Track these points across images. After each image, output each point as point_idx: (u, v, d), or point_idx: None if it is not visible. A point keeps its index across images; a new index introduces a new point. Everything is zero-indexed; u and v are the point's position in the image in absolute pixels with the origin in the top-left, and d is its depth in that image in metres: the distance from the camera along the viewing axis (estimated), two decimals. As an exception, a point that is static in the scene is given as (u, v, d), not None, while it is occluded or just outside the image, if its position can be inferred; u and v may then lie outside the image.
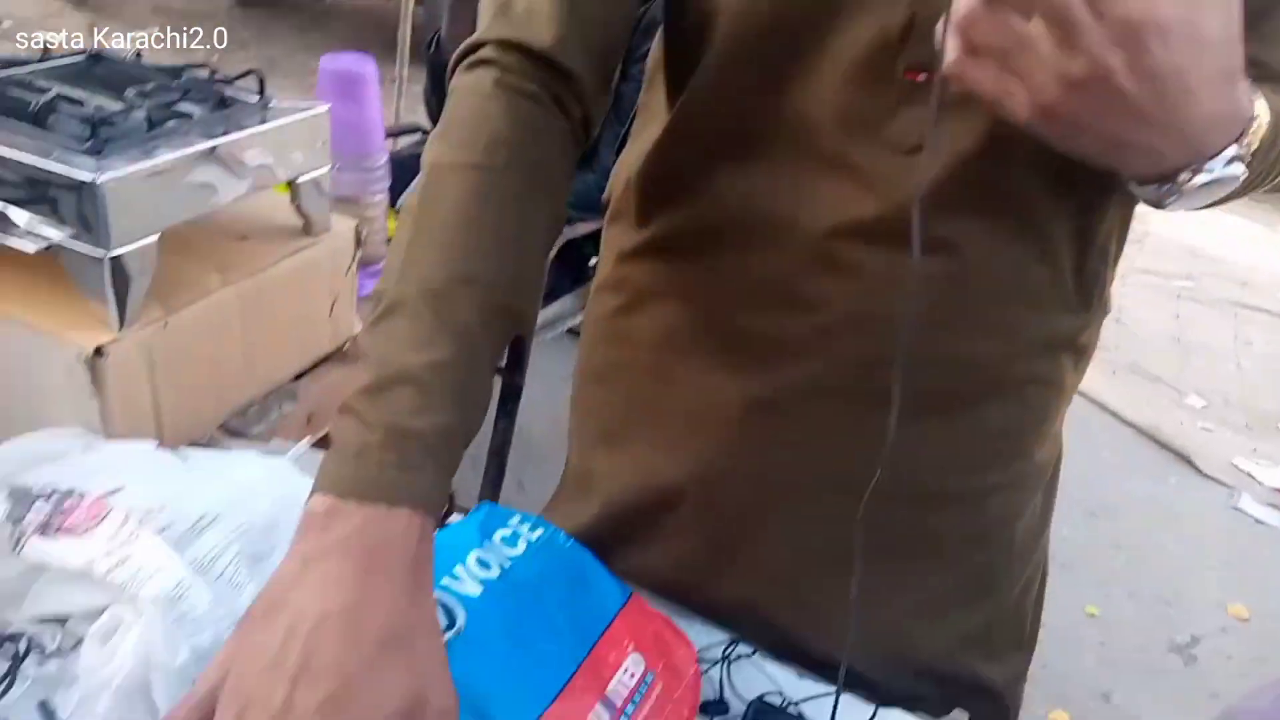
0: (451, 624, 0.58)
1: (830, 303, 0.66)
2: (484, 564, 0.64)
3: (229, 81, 0.88)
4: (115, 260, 0.73)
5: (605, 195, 0.80)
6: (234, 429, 0.93)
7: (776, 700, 0.71)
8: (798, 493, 0.75)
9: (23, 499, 0.64)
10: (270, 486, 0.72)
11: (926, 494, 0.74)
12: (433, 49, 2.12)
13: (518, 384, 1.82)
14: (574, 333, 2.75)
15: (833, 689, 0.72)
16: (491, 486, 1.57)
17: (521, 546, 0.67)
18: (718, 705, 0.70)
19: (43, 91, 0.75)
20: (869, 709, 0.72)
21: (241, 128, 0.82)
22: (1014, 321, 0.68)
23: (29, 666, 0.59)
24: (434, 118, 2.26)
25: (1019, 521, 0.79)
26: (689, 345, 0.74)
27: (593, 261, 2.20)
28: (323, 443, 0.92)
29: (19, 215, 0.74)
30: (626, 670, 0.64)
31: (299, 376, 1.01)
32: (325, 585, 0.47)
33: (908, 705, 0.74)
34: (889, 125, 0.61)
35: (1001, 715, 0.82)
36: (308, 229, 0.96)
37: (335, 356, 1.06)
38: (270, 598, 0.48)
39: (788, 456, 0.73)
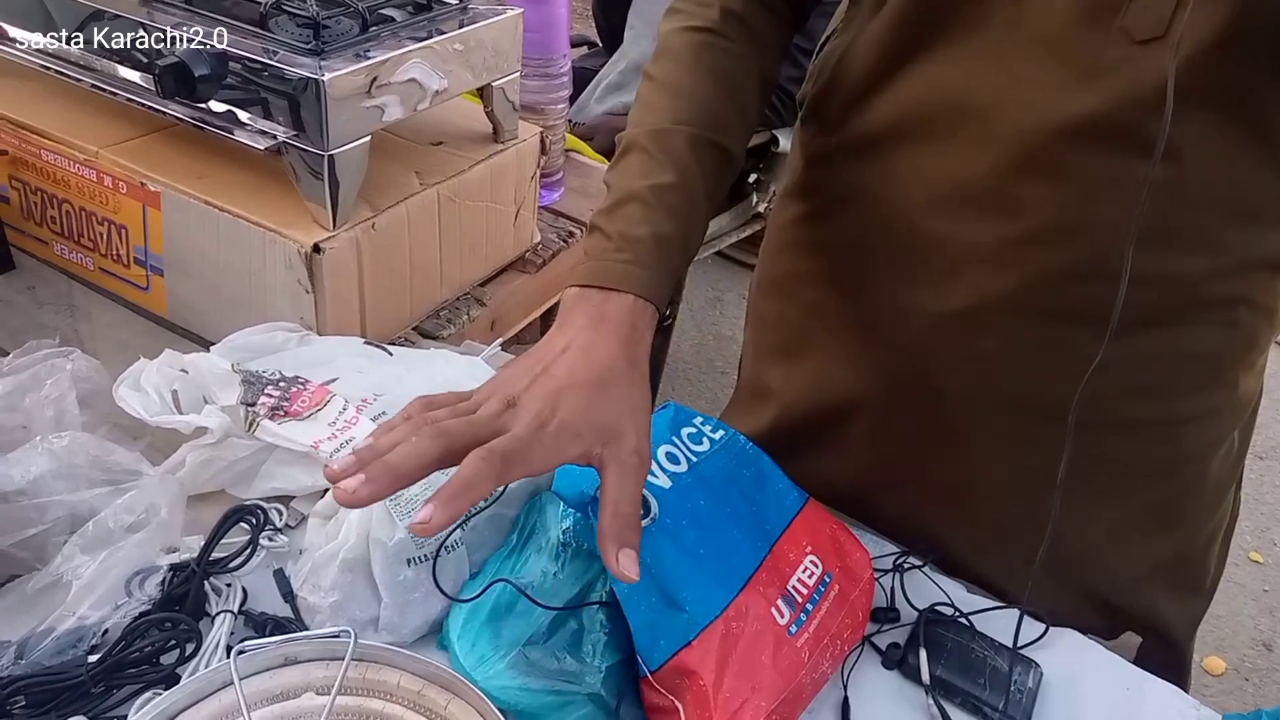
0: (646, 512, 0.61)
1: (1035, 209, 0.63)
2: (673, 458, 0.67)
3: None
4: (333, 159, 0.77)
5: (800, 95, 0.79)
6: (426, 331, 0.98)
7: (947, 611, 0.72)
8: (979, 412, 0.74)
9: (254, 385, 0.70)
10: (468, 381, 0.76)
11: (1118, 420, 0.71)
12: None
13: (673, 303, 1.84)
14: (723, 255, 2.74)
15: (1001, 604, 0.73)
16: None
17: (706, 445, 0.69)
18: (889, 612, 0.72)
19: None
20: (1039, 627, 0.72)
21: (442, 31, 0.85)
22: (1229, 237, 0.64)
23: (264, 538, 0.66)
24: (603, 35, 2.27)
25: (1214, 455, 0.76)
26: (877, 253, 0.73)
27: (752, 178, 2.19)
28: (509, 344, 0.96)
29: (247, 115, 0.80)
30: (805, 569, 0.66)
31: (484, 283, 1.06)
32: (568, 332, 0.60)
33: (1077, 629, 0.73)
34: (1128, 9, 0.57)
35: (1171, 656, 0.80)
36: (497, 135, 0.99)
37: (517, 264, 1.10)
38: (527, 352, 0.61)
39: (972, 374, 0.72)
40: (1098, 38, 0.58)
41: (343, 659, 0.47)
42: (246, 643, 0.48)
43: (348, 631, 0.49)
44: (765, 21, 0.72)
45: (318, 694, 0.48)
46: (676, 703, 0.58)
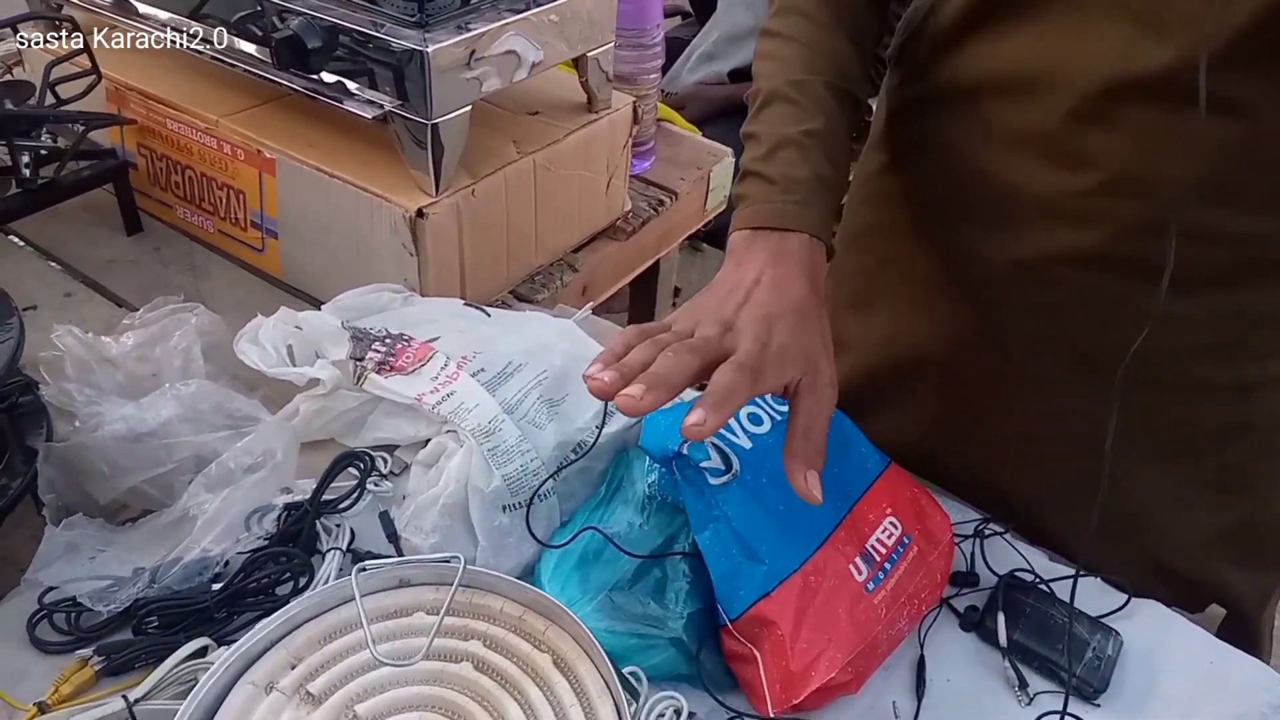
0: (728, 469, 0.63)
1: (1104, 162, 0.64)
2: (755, 419, 0.69)
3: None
4: (436, 128, 0.81)
5: (890, 51, 0.80)
6: (521, 294, 1.02)
7: (1027, 577, 0.72)
8: (1045, 366, 0.74)
9: (362, 341, 0.75)
10: (561, 343, 0.79)
11: (1185, 380, 0.71)
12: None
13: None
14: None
15: (1084, 573, 0.72)
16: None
17: (787, 405, 0.71)
18: (968, 576, 0.73)
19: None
20: (1121, 596, 0.72)
21: (539, 3, 0.88)
22: None
23: (370, 483, 0.70)
24: (695, 5, 2.27)
25: None
26: (952, 203, 0.74)
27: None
28: (599, 310, 0.99)
29: (355, 86, 0.84)
30: (885, 530, 0.68)
31: (577, 250, 1.09)
32: (753, 267, 0.62)
33: (1159, 600, 0.73)
34: None
35: (1244, 630, 0.78)
36: (591, 105, 1.01)
37: (608, 231, 1.12)
38: (710, 285, 0.63)
39: (1039, 327, 0.73)
40: None
41: (451, 584, 0.51)
42: (367, 561, 0.52)
43: (458, 557, 0.53)
44: None
45: (428, 614, 0.52)
46: (755, 651, 0.60)
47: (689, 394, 0.77)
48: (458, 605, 0.53)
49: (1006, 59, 0.67)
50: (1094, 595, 0.71)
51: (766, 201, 0.65)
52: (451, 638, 0.52)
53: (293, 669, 0.49)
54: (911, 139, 0.77)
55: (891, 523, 0.68)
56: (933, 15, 0.73)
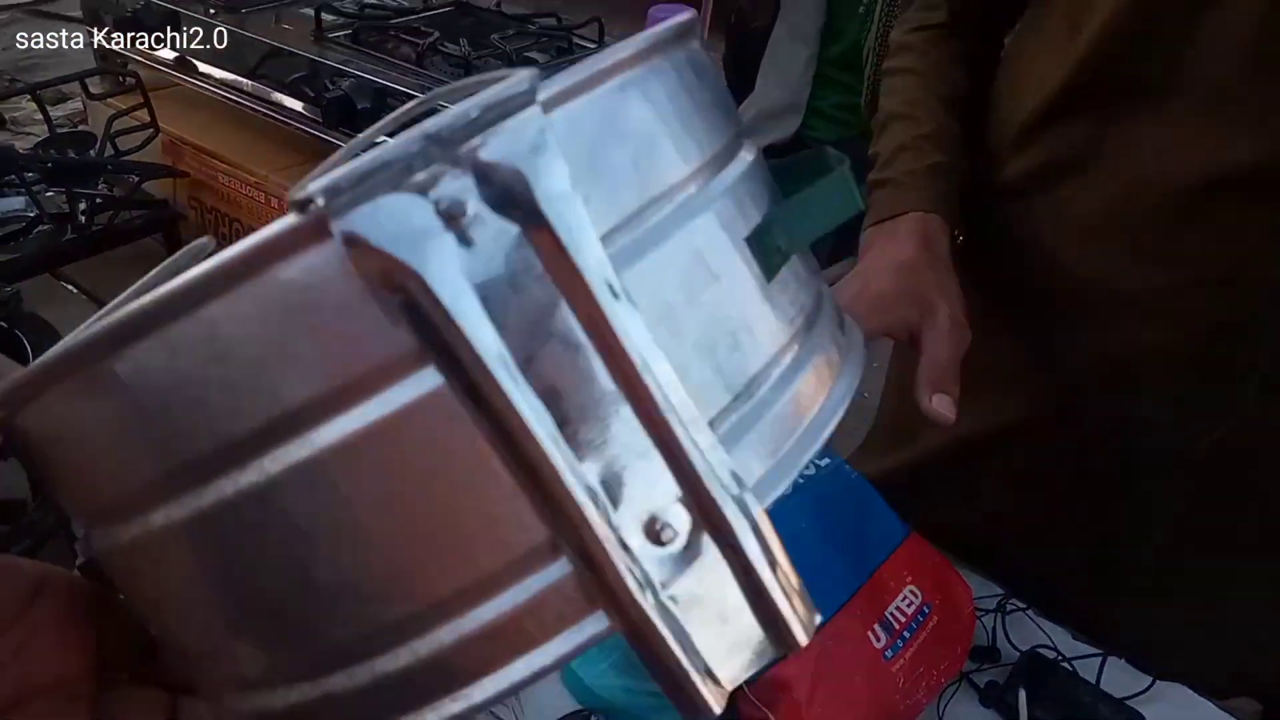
0: (748, 529, 0.64)
1: (1196, 259, 0.61)
2: (774, 481, 0.69)
3: (572, 30, 0.97)
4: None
5: None
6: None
7: (1050, 655, 0.71)
8: (1118, 465, 0.72)
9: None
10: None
11: (1271, 484, 0.68)
12: (734, 19, 2.17)
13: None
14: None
15: (1103, 652, 0.71)
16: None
17: (811, 470, 0.71)
18: (989, 651, 0.72)
19: (425, 36, 0.86)
20: (1146, 678, 0.70)
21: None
22: None
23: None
24: (733, 85, 2.31)
25: None
26: (1022, 296, 0.72)
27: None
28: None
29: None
30: (904, 598, 0.67)
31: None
32: (866, 253, 0.66)
33: (1187, 683, 0.71)
34: None
35: None
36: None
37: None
38: None
39: (1113, 425, 0.70)
40: (1268, 87, 0.56)
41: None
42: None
43: None
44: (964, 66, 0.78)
45: None
46: (769, 715, 0.60)
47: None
48: None
49: (1085, 152, 0.65)
50: (1117, 676, 0.70)
51: (884, 200, 0.68)
52: None
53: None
54: (982, 227, 0.74)
55: (912, 591, 0.68)
56: (1007, 101, 0.72)
